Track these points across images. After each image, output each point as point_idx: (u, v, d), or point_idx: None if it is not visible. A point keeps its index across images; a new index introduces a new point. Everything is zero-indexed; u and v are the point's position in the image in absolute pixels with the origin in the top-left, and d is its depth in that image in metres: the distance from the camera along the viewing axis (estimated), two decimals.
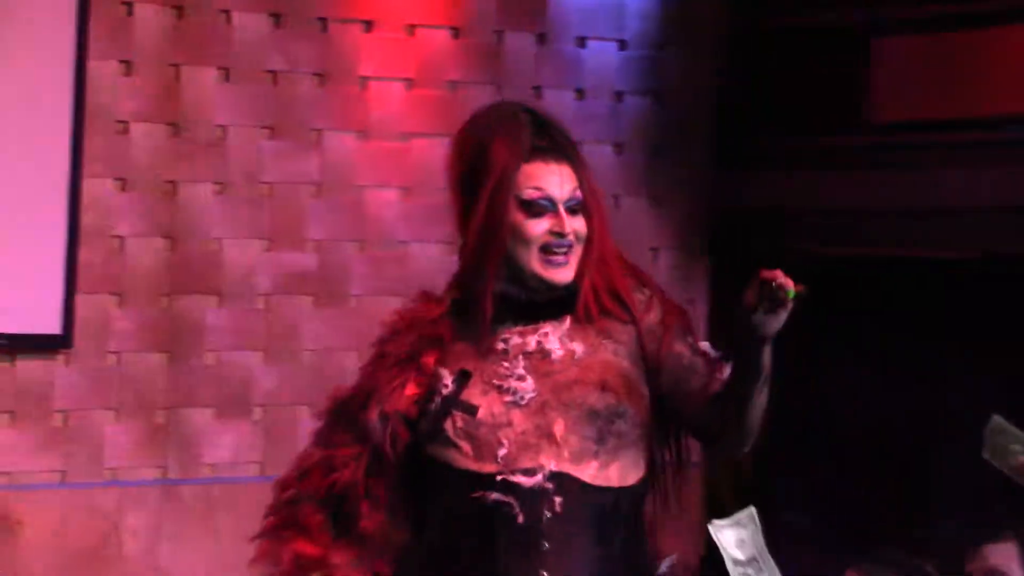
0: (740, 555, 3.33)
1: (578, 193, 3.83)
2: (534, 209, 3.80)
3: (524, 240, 3.79)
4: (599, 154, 8.82)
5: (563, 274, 3.82)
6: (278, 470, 7.84)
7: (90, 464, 7.66)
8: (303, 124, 8.27)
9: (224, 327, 8.11)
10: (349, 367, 8.01)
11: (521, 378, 3.78)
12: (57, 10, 7.61)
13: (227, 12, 8.04)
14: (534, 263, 3.80)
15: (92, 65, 7.68)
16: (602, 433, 3.77)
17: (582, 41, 8.92)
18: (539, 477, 3.72)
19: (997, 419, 3.40)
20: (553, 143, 3.85)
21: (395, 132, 8.49)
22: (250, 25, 8.10)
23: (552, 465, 3.71)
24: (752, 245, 8.97)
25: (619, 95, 9.07)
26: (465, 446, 3.77)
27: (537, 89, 8.77)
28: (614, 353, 3.84)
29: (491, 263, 3.80)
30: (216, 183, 8.07)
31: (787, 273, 3.62)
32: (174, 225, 7.99)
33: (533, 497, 3.72)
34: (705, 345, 3.93)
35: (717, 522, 3.38)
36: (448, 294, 3.94)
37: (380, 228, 8.48)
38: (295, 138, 8.26)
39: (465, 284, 3.89)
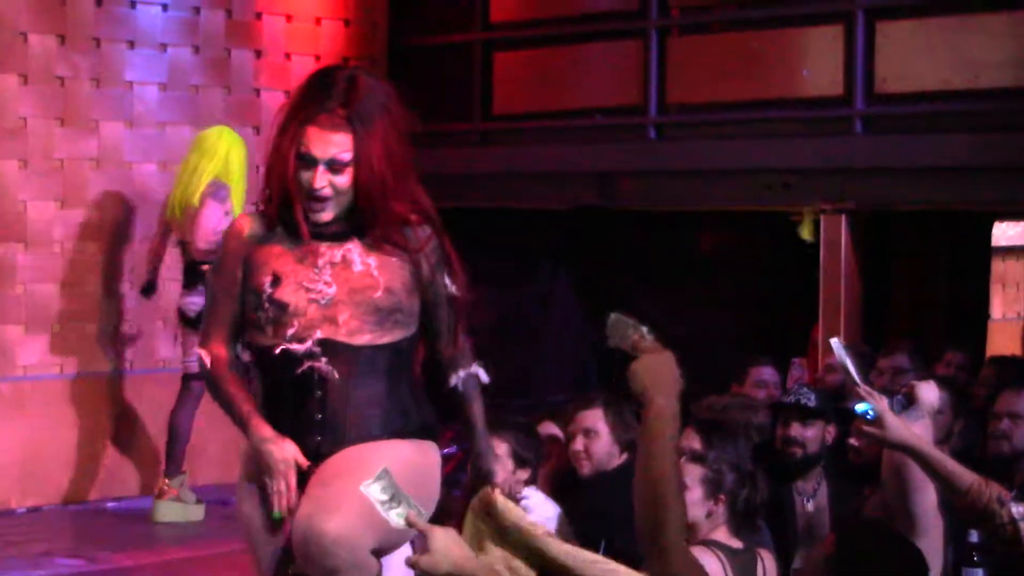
0: (384, 497, 3.40)
1: (342, 156, 3.90)
2: (301, 162, 3.91)
3: (297, 186, 3.94)
4: None
5: (320, 216, 3.97)
6: (73, 371, 8.39)
7: None
8: (84, 116, 8.72)
9: (30, 266, 8.54)
10: (126, 295, 8.81)
11: (328, 284, 3.93)
12: None
13: (24, 34, 8.48)
14: (303, 204, 3.95)
15: None
16: (381, 320, 3.95)
17: (288, 56, 9.56)
18: (308, 344, 3.88)
19: (614, 314, 3.41)
20: (343, 111, 3.90)
21: (154, 121, 8.99)
22: (41, 43, 8.55)
23: (319, 334, 3.91)
24: None
25: None
26: (268, 329, 3.93)
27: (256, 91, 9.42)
28: (399, 267, 3.98)
29: (296, 200, 3.94)
30: (19, 160, 8.51)
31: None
32: None
33: (303, 358, 3.88)
34: (454, 288, 4.08)
35: (366, 482, 3.45)
36: (261, 214, 4.06)
37: (144, 192, 8.92)
38: (78, 126, 8.70)
39: (279, 209, 4.01)
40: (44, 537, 7.83)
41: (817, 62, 8.30)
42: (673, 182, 8.80)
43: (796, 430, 5.71)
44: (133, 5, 8.84)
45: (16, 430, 8.39)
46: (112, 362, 8.81)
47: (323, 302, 3.92)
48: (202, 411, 8.74)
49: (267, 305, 3.92)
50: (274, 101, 9.34)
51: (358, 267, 3.95)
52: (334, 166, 3.92)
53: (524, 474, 5.31)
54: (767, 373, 7.31)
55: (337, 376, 3.91)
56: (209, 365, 4.02)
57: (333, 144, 3.90)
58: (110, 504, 8.61)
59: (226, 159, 8.04)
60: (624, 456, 5.65)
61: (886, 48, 8.03)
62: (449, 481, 6.70)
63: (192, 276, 7.97)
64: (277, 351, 3.91)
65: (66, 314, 8.66)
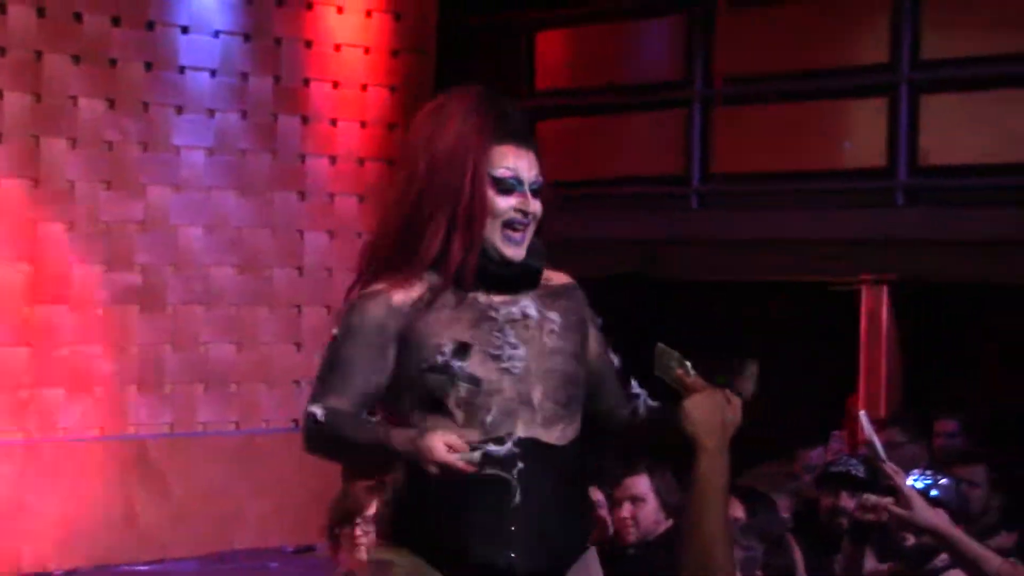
0: None
1: (540, 178, 3.31)
2: (503, 186, 3.26)
3: (492, 213, 3.25)
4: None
5: (518, 252, 3.27)
6: (115, 432, 8.41)
7: None
8: (131, 179, 8.70)
9: (74, 327, 8.52)
10: (166, 357, 8.75)
11: (515, 347, 3.24)
12: None
13: (75, 98, 8.50)
14: (496, 237, 3.26)
15: None
16: (570, 399, 3.29)
17: (334, 122, 9.50)
18: (508, 445, 3.20)
19: (660, 345, 3.19)
20: (520, 128, 3.33)
21: (201, 186, 8.94)
22: (91, 107, 8.55)
23: (521, 432, 3.21)
24: None
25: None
26: (459, 415, 3.21)
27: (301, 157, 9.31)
28: (575, 327, 3.35)
29: (476, 234, 3.25)
30: (66, 222, 8.50)
31: None
32: (34, 253, 8.40)
33: (502, 463, 3.19)
34: (615, 359, 3.45)
35: None
36: (413, 270, 3.28)
37: (189, 255, 8.88)
38: (126, 189, 8.68)
39: (439, 255, 3.27)
40: None
41: (861, 134, 8.28)
42: (715, 252, 8.74)
43: (844, 500, 5.62)
44: (182, 71, 8.81)
45: (55, 492, 8.29)
46: (152, 425, 8.72)
47: (516, 371, 3.22)
48: (241, 477, 8.78)
49: (459, 383, 3.19)
50: (319, 166, 9.37)
51: (534, 322, 3.28)
52: (534, 189, 3.29)
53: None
54: (815, 457, 7.13)
55: (537, 483, 3.22)
56: (323, 418, 3.19)
57: (533, 164, 3.30)
58: (144, 567, 8.47)
59: None
60: (670, 521, 5.50)
61: (930, 121, 8.02)
62: None
63: None
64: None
65: (109, 376, 8.58)
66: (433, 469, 3.08)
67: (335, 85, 9.47)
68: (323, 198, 9.42)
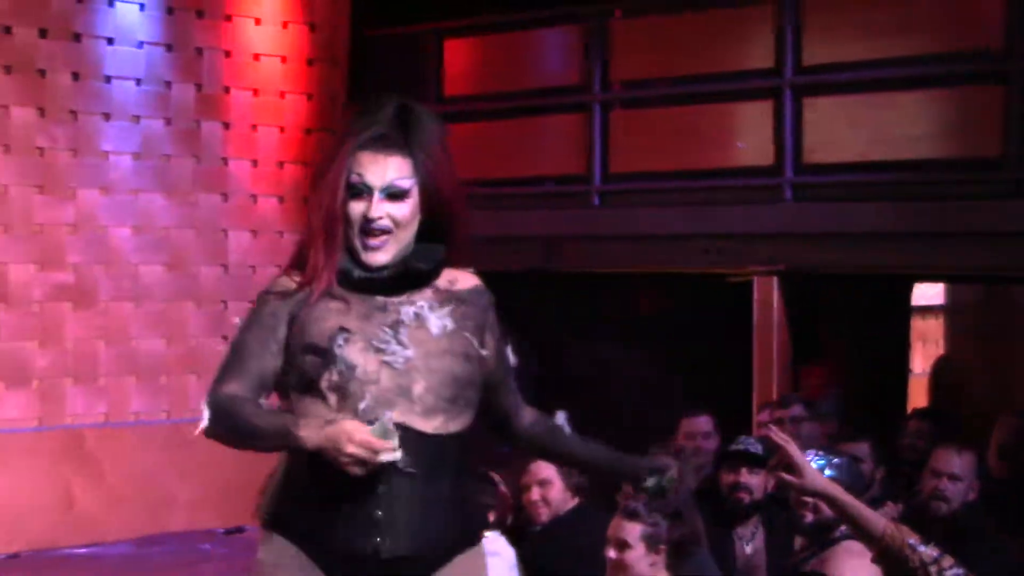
0: None
1: (402, 182, 3.24)
2: (353, 191, 3.24)
3: (347, 219, 3.26)
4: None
5: (377, 257, 3.27)
6: (52, 423, 8.51)
7: None
8: (63, 183, 8.89)
9: (10, 324, 8.68)
10: (100, 352, 8.93)
11: (402, 345, 3.22)
12: None
13: (6, 106, 8.67)
14: (356, 242, 3.27)
15: None
16: (456, 396, 3.25)
17: (255, 127, 9.71)
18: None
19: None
20: (398, 136, 3.25)
21: (128, 188, 9.14)
22: (23, 115, 8.73)
23: (395, 417, 3.16)
24: None
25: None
26: (332, 398, 3.18)
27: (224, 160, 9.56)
28: (472, 331, 3.33)
29: (335, 241, 3.25)
30: (1, 225, 8.68)
31: None
32: None
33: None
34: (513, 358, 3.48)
35: None
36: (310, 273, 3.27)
37: (119, 255, 9.09)
38: (57, 193, 8.87)
39: (325, 256, 3.28)
40: None
41: (749, 135, 8.44)
42: (616, 247, 8.88)
43: (744, 476, 5.92)
44: (108, 80, 9.00)
45: None
46: (87, 415, 8.90)
47: (398, 366, 3.21)
48: (173, 463, 8.91)
49: (333, 365, 3.17)
50: (241, 170, 9.59)
51: (435, 330, 3.27)
52: (392, 193, 3.25)
53: (489, 518, 5.37)
54: (701, 424, 7.22)
55: (408, 470, 3.17)
56: (217, 403, 3.17)
57: (390, 168, 3.24)
58: (82, 550, 8.60)
59: None
60: (576, 499, 5.84)
61: (813, 122, 8.20)
62: None
63: None
64: None
65: (45, 370, 8.74)
66: (345, 460, 3.04)
67: (255, 93, 9.70)
68: (245, 199, 9.65)
